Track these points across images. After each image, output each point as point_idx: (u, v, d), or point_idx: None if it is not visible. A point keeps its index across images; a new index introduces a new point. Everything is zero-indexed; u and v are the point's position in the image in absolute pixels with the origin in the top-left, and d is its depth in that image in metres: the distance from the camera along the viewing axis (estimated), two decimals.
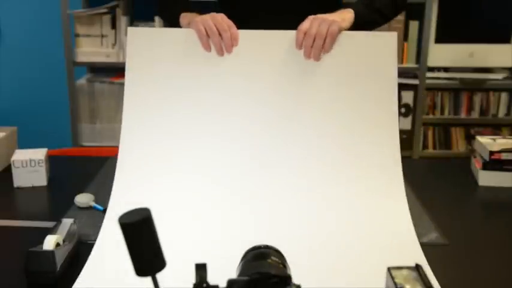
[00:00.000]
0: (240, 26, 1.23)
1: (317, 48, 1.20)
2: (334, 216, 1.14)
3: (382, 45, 1.22)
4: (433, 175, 1.46)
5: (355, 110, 1.22)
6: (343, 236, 1.09)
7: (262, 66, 1.22)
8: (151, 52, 1.23)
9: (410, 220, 1.13)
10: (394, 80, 1.22)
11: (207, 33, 1.20)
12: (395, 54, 1.23)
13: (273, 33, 1.22)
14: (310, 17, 1.21)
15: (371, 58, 1.22)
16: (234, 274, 0.74)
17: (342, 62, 1.22)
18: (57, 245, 0.95)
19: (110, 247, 1.03)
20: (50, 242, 0.94)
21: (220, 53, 1.21)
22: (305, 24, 1.20)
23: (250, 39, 1.22)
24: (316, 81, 1.22)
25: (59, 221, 1.05)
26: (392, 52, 1.22)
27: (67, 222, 1.04)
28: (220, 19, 1.21)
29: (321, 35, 1.19)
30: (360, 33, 1.23)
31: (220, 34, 1.20)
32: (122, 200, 1.16)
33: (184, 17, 1.33)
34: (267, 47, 1.22)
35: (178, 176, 1.20)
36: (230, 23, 1.21)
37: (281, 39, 1.22)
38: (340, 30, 1.21)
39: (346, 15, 1.26)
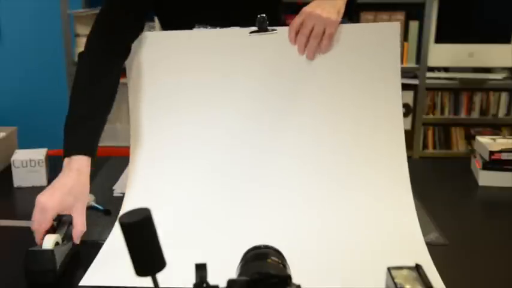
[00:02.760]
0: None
1: (311, 49, 1.17)
2: (335, 216, 1.14)
3: (384, 37, 1.21)
4: (433, 175, 1.46)
5: (358, 107, 1.20)
6: (344, 236, 1.09)
7: (261, 64, 1.22)
8: (151, 54, 1.23)
9: (417, 221, 1.12)
10: (397, 74, 1.20)
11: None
12: (398, 45, 1.21)
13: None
14: (304, 12, 1.16)
15: (373, 51, 1.20)
16: (234, 274, 0.74)
17: (342, 56, 1.20)
18: (56, 244, 0.95)
19: (119, 249, 1.03)
20: (49, 241, 0.94)
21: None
22: (297, 21, 1.16)
23: (246, 37, 1.22)
24: (318, 77, 1.21)
25: (58, 220, 1.05)
26: (395, 43, 1.20)
27: (66, 221, 1.04)
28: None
29: (316, 36, 1.15)
30: (361, 25, 1.22)
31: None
32: (132, 204, 1.16)
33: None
34: (265, 44, 1.21)
35: (179, 177, 1.20)
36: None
37: (280, 35, 1.21)
38: (336, 29, 1.17)
39: (340, 4, 1.18)
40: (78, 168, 1.05)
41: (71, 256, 0.99)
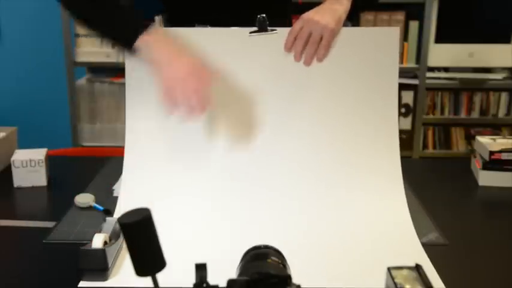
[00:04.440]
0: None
1: (309, 56, 1.16)
2: (334, 217, 1.14)
3: (384, 41, 1.21)
4: (433, 175, 1.46)
5: (355, 110, 1.22)
6: (343, 236, 1.09)
7: (261, 64, 1.22)
8: None
9: (410, 220, 1.13)
10: (395, 79, 1.21)
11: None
12: (397, 51, 1.22)
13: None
14: (304, 18, 1.15)
15: (373, 56, 1.21)
16: (234, 274, 0.74)
17: (342, 59, 1.21)
18: (105, 243, 0.96)
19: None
20: (98, 240, 0.95)
21: (188, 120, 1.04)
22: (296, 27, 1.15)
23: (246, 37, 1.22)
24: (317, 78, 1.21)
25: (104, 220, 1.05)
26: (395, 48, 1.21)
27: (112, 221, 1.04)
28: (190, 85, 1.01)
29: (313, 43, 1.14)
30: (361, 29, 1.22)
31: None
32: (128, 203, 1.16)
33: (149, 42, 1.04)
34: (265, 44, 1.21)
35: (179, 176, 1.20)
36: (199, 86, 1.00)
37: (281, 35, 1.21)
38: (335, 37, 1.15)
39: (341, 12, 1.16)
40: (164, 34, 1.03)
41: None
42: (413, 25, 2.76)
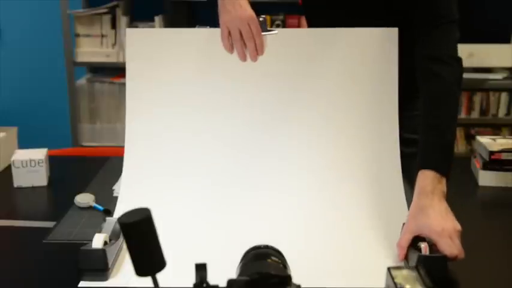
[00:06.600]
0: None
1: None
2: (334, 217, 1.14)
3: (383, 42, 1.21)
4: None
5: (354, 110, 1.22)
6: (343, 236, 1.09)
7: (260, 65, 1.22)
8: (151, 53, 1.23)
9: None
10: (394, 79, 1.21)
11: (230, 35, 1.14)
12: (396, 51, 1.21)
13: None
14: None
15: (371, 56, 1.21)
16: (234, 274, 0.74)
17: (341, 60, 1.21)
18: (105, 243, 0.96)
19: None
20: (98, 240, 0.95)
21: (243, 59, 1.16)
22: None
23: None
24: (316, 79, 1.22)
25: (104, 220, 1.05)
26: (394, 49, 1.21)
27: (112, 221, 1.04)
28: (247, 25, 1.13)
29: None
30: (360, 29, 1.22)
31: (244, 42, 1.14)
32: (128, 203, 1.16)
33: None
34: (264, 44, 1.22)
35: (179, 177, 1.20)
36: (258, 30, 1.14)
37: (280, 36, 1.21)
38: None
39: None
40: None
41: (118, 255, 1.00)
42: None
